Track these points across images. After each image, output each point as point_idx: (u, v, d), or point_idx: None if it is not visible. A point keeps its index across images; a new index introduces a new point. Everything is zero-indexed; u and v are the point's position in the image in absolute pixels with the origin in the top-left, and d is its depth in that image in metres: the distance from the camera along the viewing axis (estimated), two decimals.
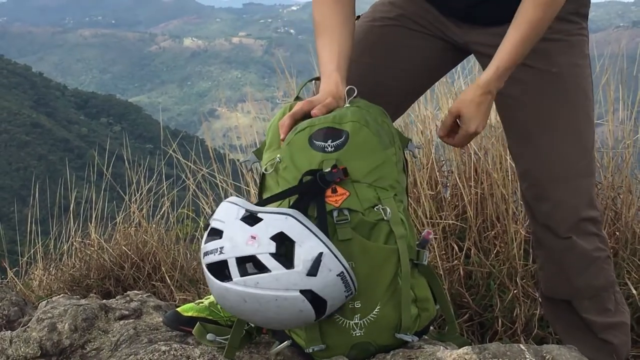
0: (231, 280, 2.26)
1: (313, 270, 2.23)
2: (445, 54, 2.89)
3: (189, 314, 2.93)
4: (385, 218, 2.39)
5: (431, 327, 2.64)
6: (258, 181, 2.65)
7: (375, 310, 2.41)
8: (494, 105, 2.83)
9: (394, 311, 2.44)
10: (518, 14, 2.52)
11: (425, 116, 4.30)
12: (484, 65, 2.78)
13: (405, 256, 2.41)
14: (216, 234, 2.32)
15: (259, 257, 2.23)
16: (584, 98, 2.75)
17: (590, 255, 2.81)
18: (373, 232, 2.41)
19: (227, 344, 2.63)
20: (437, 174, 4.04)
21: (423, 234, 2.56)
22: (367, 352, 2.48)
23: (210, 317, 2.88)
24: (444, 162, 4.17)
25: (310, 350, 2.47)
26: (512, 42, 2.52)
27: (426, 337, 2.65)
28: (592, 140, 2.80)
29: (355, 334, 2.42)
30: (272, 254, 2.23)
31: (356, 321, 2.42)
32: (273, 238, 2.24)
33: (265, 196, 2.50)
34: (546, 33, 2.63)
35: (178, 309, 2.97)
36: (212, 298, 2.96)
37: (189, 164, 4.93)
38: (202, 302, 2.98)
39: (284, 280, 2.23)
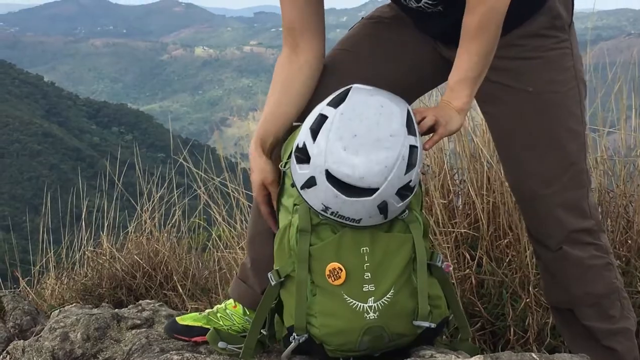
0: None
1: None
2: (434, 59, 2.85)
3: (185, 323, 2.95)
4: (399, 217, 2.46)
5: (443, 337, 2.64)
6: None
7: (389, 294, 2.44)
8: None
9: (408, 299, 2.47)
10: (463, 26, 2.54)
11: None
12: None
13: (420, 244, 2.47)
14: None
15: None
16: (565, 113, 2.74)
17: (585, 264, 2.81)
18: (389, 224, 2.46)
19: (243, 347, 2.66)
20: (450, 182, 4.03)
21: (443, 265, 2.59)
22: (381, 340, 2.48)
23: (207, 326, 2.89)
24: (456, 170, 4.16)
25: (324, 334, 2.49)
26: (468, 55, 2.53)
27: (437, 345, 2.65)
28: (580, 153, 2.78)
29: (369, 317, 2.44)
30: None
31: (370, 304, 2.44)
32: None
33: (283, 200, 2.59)
34: (520, 51, 2.66)
35: (177, 318, 2.99)
36: (212, 309, 2.99)
37: (201, 173, 4.94)
38: (203, 312, 3.00)
39: None
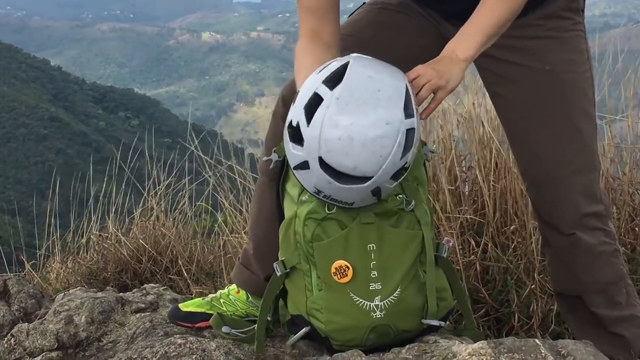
0: None
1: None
2: (440, 47, 2.83)
3: (188, 309, 2.95)
4: (405, 209, 2.44)
5: (447, 322, 2.65)
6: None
7: (396, 292, 2.44)
8: None
9: (414, 296, 2.48)
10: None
11: (445, 110, 4.28)
12: (480, 64, 2.80)
13: (429, 242, 2.47)
14: None
15: None
16: (580, 94, 2.73)
17: (595, 250, 2.81)
18: (396, 218, 2.46)
19: (249, 338, 2.70)
20: (457, 168, 4.03)
21: (444, 240, 2.60)
22: (387, 337, 2.49)
23: (210, 312, 2.89)
24: (464, 156, 4.15)
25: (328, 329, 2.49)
26: (491, 14, 2.50)
27: (441, 331, 2.65)
28: (592, 135, 2.78)
29: (376, 315, 2.45)
30: None
31: (377, 303, 2.44)
32: None
33: (288, 187, 2.57)
34: (538, 31, 2.65)
35: (179, 305, 2.99)
36: (216, 294, 2.99)
37: (208, 159, 4.94)
38: (206, 298, 3.00)
39: None
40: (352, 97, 2.26)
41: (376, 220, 2.44)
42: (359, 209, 2.42)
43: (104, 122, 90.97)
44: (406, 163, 2.33)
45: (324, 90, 2.29)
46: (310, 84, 2.35)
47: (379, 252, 2.44)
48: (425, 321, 2.49)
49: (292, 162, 2.36)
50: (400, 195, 2.46)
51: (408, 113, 2.29)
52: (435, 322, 2.50)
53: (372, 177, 2.27)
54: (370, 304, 2.44)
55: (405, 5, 2.83)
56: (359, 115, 2.24)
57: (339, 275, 2.42)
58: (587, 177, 2.77)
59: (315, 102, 2.29)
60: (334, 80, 2.30)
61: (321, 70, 2.36)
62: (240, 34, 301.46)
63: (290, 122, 2.35)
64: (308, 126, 2.27)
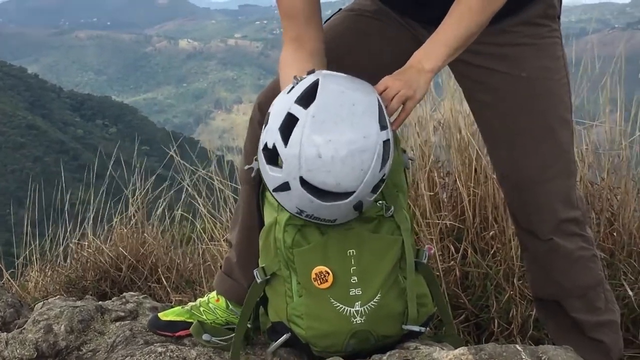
0: None
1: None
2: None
3: (168, 318, 2.95)
4: (385, 214, 2.45)
5: (427, 328, 2.65)
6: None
7: (376, 298, 2.44)
8: None
9: (395, 301, 2.48)
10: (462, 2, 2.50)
11: (422, 116, 4.29)
12: (457, 71, 2.82)
13: (409, 248, 2.47)
14: None
15: None
16: (557, 100, 2.74)
17: (573, 255, 2.82)
18: (376, 224, 2.47)
19: (230, 345, 2.67)
20: (436, 174, 4.03)
21: (425, 248, 2.60)
22: (367, 342, 2.49)
23: (190, 320, 2.89)
24: (442, 162, 4.16)
25: (308, 335, 2.49)
26: (457, 26, 2.50)
27: (422, 337, 2.65)
28: (569, 141, 2.79)
29: (356, 321, 2.44)
30: None
31: (357, 308, 2.44)
32: None
33: (268, 194, 2.53)
34: (514, 38, 2.66)
35: (159, 314, 2.99)
36: (195, 302, 2.99)
37: (187, 165, 4.93)
38: (186, 307, 2.99)
39: None
40: (328, 114, 2.25)
41: (356, 225, 2.44)
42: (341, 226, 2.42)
43: (81, 130, 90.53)
44: (384, 175, 2.33)
45: (297, 110, 2.27)
46: (281, 105, 2.34)
47: (359, 258, 2.44)
48: (405, 327, 2.49)
49: (271, 185, 2.35)
50: (380, 202, 2.45)
51: (382, 125, 2.29)
52: (415, 328, 2.50)
53: (354, 192, 2.27)
54: (350, 310, 2.44)
55: (381, 12, 2.83)
56: (337, 132, 2.23)
57: (319, 281, 2.42)
58: (565, 183, 2.78)
59: (290, 122, 2.27)
60: (306, 99, 2.28)
61: (290, 90, 2.36)
62: (218, 41, 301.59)
63: (266, 144, 2.33)
64: (286, 147, 2.25)
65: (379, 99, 2.35)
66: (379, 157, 2.26)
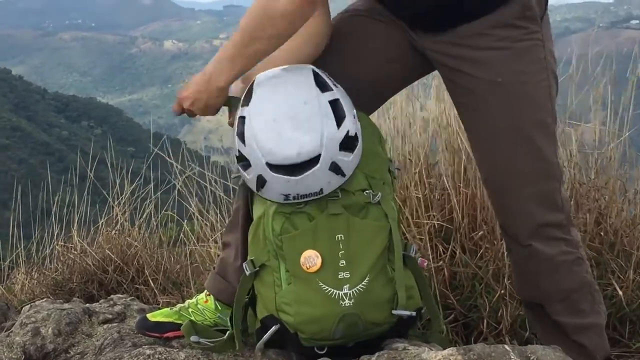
0: None
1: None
2: (409, 54, 2.82)
3: (156, 319, 2.94)
4: (372, 201, 2.50)
5: (416, 329, 2.65)
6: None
7: (364, 282, 2.46)
8: None
9: (383, 287, 2.50)
10: None
11: (412, 116, 4.30)
12: (441, 73, 2.82)
13: (397, 236, 2.51)
14: None
15: None
16: (534, 105, 2.70)
17: (555, 260, 2.80)
18: (364, 212, 2.51)
19: (218, 347, 2.71)
20: (425, 174, 4.03)
21: (416, 255, 2.64)
22: (355, 327, 2.49)
23: (179, 322, 2.88)
24: (433, 163, 4.16)
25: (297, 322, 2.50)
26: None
27: (409, 337, 2.65)
28: (549, 145, 2.75)
29: (345, 304, 2.45)
30: None
31: (345, 291, 2.45)
32: None
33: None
34: (489, 41, 2.64)
35: (147, 315, 2.98)
36: (184, 304, 2.98)
37: (177, 165, 4.93)
38: (174, 308, 2.99)
39: None
40: (266, 99, 2.44)
41: (344, 211, 2.48)
42: (327, 200, 2.46)
43: (66, 132, 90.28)
44: (349, 131, 2.42)
45: (242, 110, 2.46)
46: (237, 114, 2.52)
47: (347, 242, 2.47)
48: (395, 312, 2.50)
49: (253, 186, 2.49)
50: (367, 191, 2.50)
51: (324, 87, 2.44)
52: (406, 312, 2.50)
53: (319, 154, 2.36)
54: (339, 293, 2.45)
55: (375, 11, 2.83)
56: (277, 109, 2.40)
57: (307, 265, 2.45)
58: (545, 187, 2.75)
59: (241, 124, 2.44)
60: (247, 98, 2.47)
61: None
62: (203, 42, 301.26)
63: (236, 154, 2.49)
64: (245, 145, 2.43)
65: (314, 68, 2.50)
66: (328, 115, 2.39)
